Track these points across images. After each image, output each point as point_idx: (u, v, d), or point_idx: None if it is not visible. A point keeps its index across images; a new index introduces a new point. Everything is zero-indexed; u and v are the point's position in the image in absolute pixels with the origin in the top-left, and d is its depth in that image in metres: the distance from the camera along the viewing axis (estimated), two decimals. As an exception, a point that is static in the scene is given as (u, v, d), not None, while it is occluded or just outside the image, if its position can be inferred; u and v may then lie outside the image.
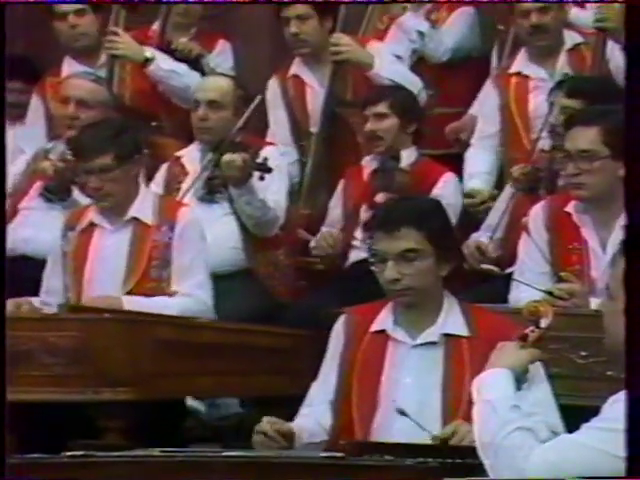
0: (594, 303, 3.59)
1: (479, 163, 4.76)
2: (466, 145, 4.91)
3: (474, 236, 4.48)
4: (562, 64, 4.73)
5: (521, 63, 4.81)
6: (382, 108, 4.67)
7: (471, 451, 2.64)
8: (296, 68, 5.13)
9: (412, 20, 5.29)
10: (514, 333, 2.97)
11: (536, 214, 3.92)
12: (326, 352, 3.29)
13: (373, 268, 3.18)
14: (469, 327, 3.18)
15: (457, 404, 3.10)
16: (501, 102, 4.78)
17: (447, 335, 3.18)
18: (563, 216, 3.85)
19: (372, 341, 3.20)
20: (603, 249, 3.78)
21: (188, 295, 4.07)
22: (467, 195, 4.64)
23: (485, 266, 4.34)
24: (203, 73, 5.13)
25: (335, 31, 5.04)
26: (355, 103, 4.91)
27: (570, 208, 3.84)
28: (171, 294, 4.08)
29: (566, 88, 4.32)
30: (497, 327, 3.14)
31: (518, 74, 4.79)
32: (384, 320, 3.21)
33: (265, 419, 3.12)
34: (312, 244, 4.69)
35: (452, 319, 3.19)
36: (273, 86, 5.13)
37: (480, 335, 3.14)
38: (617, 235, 3.67)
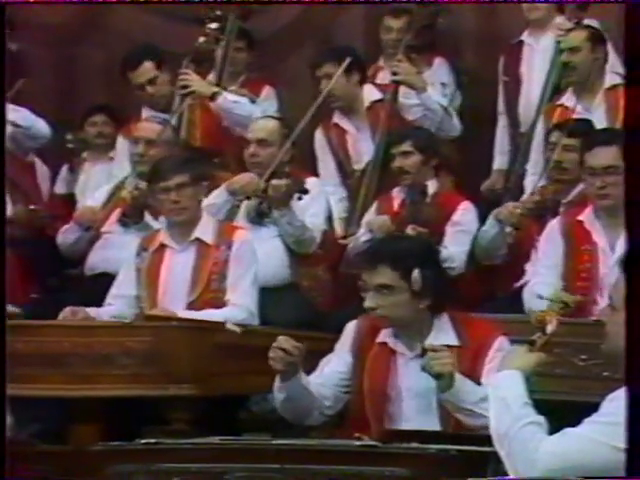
0: (598, 309, 3.60)
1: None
2: (500, 194, 4.90)
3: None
4: (599, 100, 4.72)
5: (566, 97, 4.81)
6: (406, 147, 4.65)
7: (487, 440, 2.61)
8: (336, 118, 5.10)
9: (437, 73, 5.28)
10: (497, 335, 3.04)
11: (552, 226, 3.95)
12: (337, 343, 3.30)
13: (361, 294, 3.18)
14: (459, 338, 3.16)
15: None
16: (546, 129, 4.75)
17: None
18: (576, 224, 3.88)
19: (379, 351, 3.20)
20: (612, 249, 3.78)
21: (235, 304, 4.06)
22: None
23: None
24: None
25: (364, 82, 5.05)
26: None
27: (582, 217, 3.87)
28: (226, 303, 4.07)
29: (567, 129, 4.32)
30: (482, 334, 3.14)
31: (561, 105, 4.79)
32: (387, 334, 3.21)
33: (281, 338, 3.11)
34: (361, 231, 4.57)
35: (443, 333, 3.16)
36: (319, 135, 5.12)
37: (469, 343, 3.14)
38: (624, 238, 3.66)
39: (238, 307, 4.05)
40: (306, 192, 4.38)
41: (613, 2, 4.60)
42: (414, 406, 3.12)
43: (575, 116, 4.67)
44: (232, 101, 5.03)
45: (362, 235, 4.57)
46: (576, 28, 4.84)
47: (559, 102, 4.82)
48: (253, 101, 5.15)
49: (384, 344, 3.19)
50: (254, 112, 4.97)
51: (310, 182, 4.59)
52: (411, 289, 3.08)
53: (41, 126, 5.20)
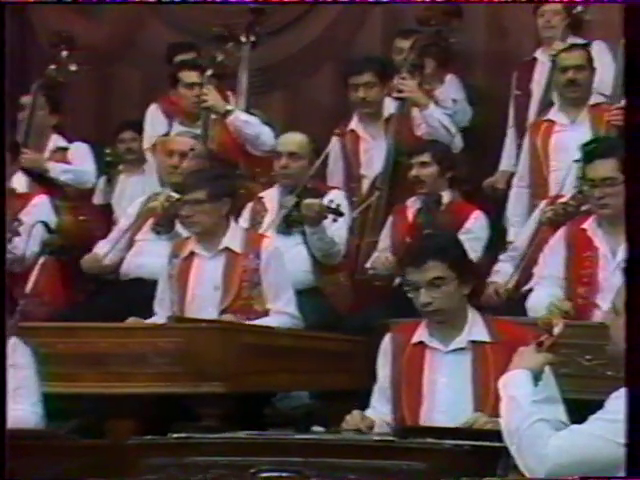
0: (599, 312, 3.58)
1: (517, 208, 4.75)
2: (502, 192, 4.94)
3: (496, 273, 4.42)
4: (583, 116, 4.73)
5: (552, 112, 4.83)
6: (425, 157, 4.66)
7: (498, 436, 2.61)
8: (353, 124, 5.11)
9: (448, 89, 5.28)
10: (529, 338, 2.97)
11: (558, 235, 3.96)
12: (377, 363, 3.28)
13: (409, 295, 3.19)
14: (491, 334, 3.17)
15: (485, 398, 3.08)
16: (530, 143, 4.78)
17: (473, 342, 3.17)
18: (579, 232, 3.89)
19: (413, 351, 3.21)
20: (614, 255, 3.78)
21: (283, 312, 4.10)
22: None
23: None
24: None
25: (387, 95, 5.05)
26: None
27: (585, 225, 3.88)
28: (261, 310, 4.09)
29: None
30: (515, 333, 3.13)
31: (547, 120, 4.80)
32: (422, 333, 3.22)
33: (356, 415, 3.09)
34: (368, 265, 4.66)
35: (476, 328, 3.18)
36: (335, 140, 5.11)
37: (501, 341, 3.13)
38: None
39: (288, 315, 4.10)
40: (341, 215, 4.36)
41: (613, 2, 4.60)
42: (450, 399, 3.11)
43: (558, 129, 4.68)
44: (243, 120, 5.05)
45: (370, 269, 4.61)
46: (575, 47, 4.85)
47: (544, 117, 4.84)
48: (266, 122, 5.13)
49: (418, 344, 3.20)
50: (263, 132, 4.98)
51: (334, 195, 4.58)
52: (458, 277, 3.12)
53: (87, 171, 5.22)
